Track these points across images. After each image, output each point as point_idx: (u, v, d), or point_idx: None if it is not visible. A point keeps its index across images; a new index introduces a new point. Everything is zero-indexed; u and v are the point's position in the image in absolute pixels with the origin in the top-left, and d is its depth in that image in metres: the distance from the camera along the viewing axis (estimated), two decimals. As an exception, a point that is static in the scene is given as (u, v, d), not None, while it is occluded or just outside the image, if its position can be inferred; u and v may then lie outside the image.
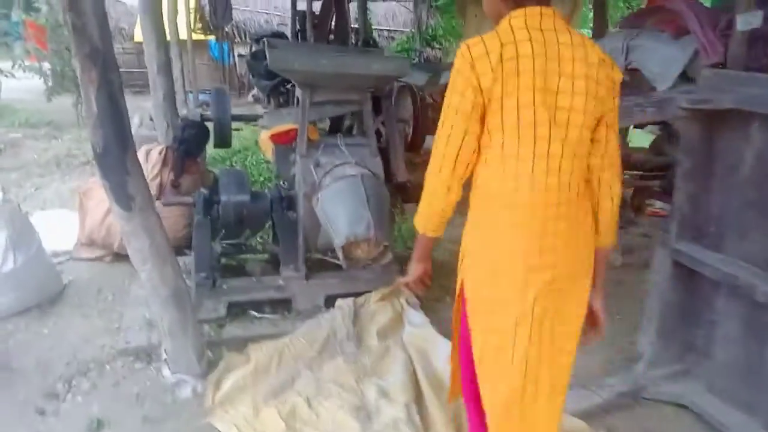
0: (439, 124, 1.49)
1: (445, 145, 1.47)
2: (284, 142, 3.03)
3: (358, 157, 3.01)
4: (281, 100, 7.71)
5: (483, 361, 1.59)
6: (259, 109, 9.73)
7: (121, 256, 3.63)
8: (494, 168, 1.48)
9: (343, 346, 2.75)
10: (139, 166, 2.27)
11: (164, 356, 2.55)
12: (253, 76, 8.58)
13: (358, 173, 2.84)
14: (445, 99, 1.49)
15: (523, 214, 1.47)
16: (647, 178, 4.81)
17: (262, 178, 5.52)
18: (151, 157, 4.03)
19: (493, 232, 1.53)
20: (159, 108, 4.97)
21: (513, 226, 1.48)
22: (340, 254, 2.67)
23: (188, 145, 3.94)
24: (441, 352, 2.73)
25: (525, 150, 1.44)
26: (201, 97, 10.97)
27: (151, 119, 5.77)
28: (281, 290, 3.06)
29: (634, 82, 4.46)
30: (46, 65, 9.40)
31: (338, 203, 2.73)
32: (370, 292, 3.08)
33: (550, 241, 1.47)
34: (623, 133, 4.83)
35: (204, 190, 2.98)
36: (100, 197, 3.58)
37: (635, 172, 4.82)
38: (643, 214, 4.66)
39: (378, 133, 4.69)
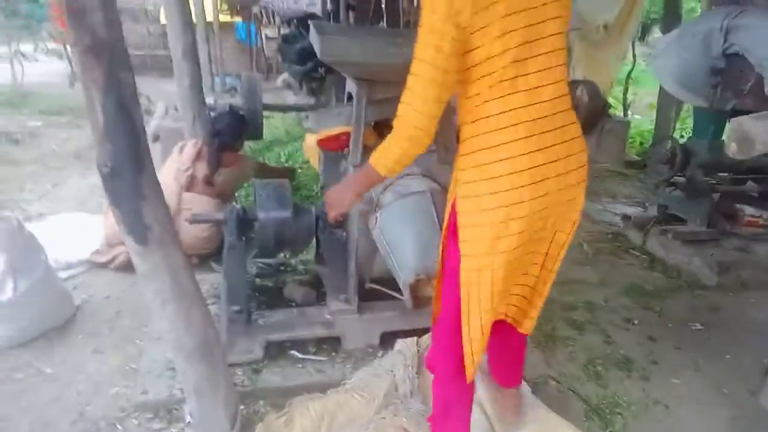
0: None
1: None
2: (335, 148, 2.48)
3: (422, 167, 2.45)
4: (314, 86, 7.25)
5: None
6: (289, 96, 9.23)
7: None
8: None
9: (407, 404, 2.24)
10: (158, 187, 1.75)
11: (188, 418, 2.07)
12: (284, 61, 8.06)
13: (427, 188, 2.29)
14: None
15: None
16: (739, 181, 4.16)
17: (298, 180, 5.00)
18: (185, 151, 3.64)
19: None
20: (185, 97, 4.48)
21: None
22: (406, 293, 2.14)
23: (223, 137, 3.60)
24: (525, 407, 2.25)
25: None
26: (228, 80, 10.50)
27: (176, 109, 5.32)
28: (329, 326, 2.53)
29: (732, 71, 3.82)
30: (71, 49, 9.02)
31: (403, 228, 2.19)
32: (435, 329, 2.54)
33: None
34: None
35: (237, 206, 2.47)
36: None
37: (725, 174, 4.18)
38: (737, 224, 4.02)
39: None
